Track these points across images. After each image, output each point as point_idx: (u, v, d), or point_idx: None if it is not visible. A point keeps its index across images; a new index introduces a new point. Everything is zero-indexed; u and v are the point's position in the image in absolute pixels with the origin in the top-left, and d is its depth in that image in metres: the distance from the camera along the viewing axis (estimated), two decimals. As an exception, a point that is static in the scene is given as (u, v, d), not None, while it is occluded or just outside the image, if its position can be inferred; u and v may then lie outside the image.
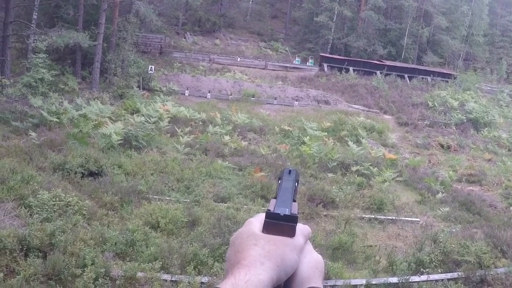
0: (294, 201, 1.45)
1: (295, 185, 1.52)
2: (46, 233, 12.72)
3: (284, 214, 1.36)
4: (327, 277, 14.18)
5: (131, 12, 40.71)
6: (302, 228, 1.41)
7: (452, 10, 66.78)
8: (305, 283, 1.38)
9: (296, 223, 1.37)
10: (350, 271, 15.50)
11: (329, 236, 17.26)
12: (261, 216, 1.40)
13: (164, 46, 51.72)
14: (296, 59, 57.96)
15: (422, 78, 55.48)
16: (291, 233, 1.36)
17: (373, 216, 19.96)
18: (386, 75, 53.62)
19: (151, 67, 39.55)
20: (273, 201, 1.43)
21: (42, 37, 33.00)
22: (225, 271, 1.34)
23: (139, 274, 12.59)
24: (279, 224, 1.35)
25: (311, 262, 1.43)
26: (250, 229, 1.38)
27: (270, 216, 1.36)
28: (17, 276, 11.25)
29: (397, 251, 17.06)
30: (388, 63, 57.25)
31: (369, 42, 61.57)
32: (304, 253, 1.41)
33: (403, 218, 20.27)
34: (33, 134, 22.23)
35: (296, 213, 1.39)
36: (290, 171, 1.56)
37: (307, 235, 1.44)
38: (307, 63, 57.29)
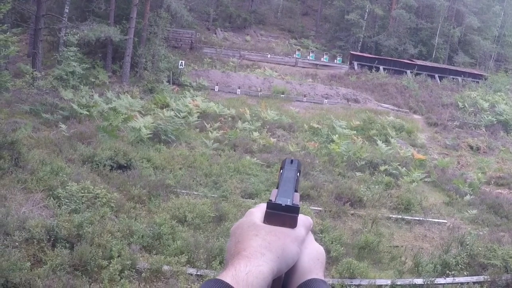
0: (296, 191, 1.43)
1: (297, 175, 1.50)
2: (74, 224, 12.80)
3: (285, 205, 1.34)
4: (352, 276, 14.15)
5: (162, 7, 40.82)
6: (303, 219, 1.40)
7: (484, 10, 66.05)
8: (306, 274, 1.36)
9: (297, 214, 1.35)
10: (376, 271, 15.42)
11: (355, 235, 17.21)
12: (263, 207, 1.39)
13: (195, 41, 51.83)
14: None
15: (453, 78, 54.81)
16: (292, 224, 1.34)
17: (400, 217, 19.83)
18: (417, 74, 53.14)
19: (182, 62, 39.64)
20: (274, 191, 1.42)
21: (74, 30, 33.24)
22: (225, 262, 1.32)
23: (165, 268, 12.63)
24: (280, 215, 1.34)
25: (312, 253, 1.41)
26: (251, 219, 1.37)
27: (271, 206, 1.35)
28: (44, 266, 11.34)
29: (423, 253, 16.91)
30: (418, 62, 56.74)
31: (400, 41, 61.09)
32: (305, 244, 1.39)
33: (430, 219, 20.10)
34: (63, 126, 22.42)
35: (298, 203, 1.37)
36: (292, 160, 1.55)
37: (308, 226, 1.42)
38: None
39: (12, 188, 15.06)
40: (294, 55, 55.95)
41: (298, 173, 1.50)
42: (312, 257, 1.39)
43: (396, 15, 61.24)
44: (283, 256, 1.27)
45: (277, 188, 1.43)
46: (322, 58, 56.28)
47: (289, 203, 1.34)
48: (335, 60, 56.59)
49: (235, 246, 1.30)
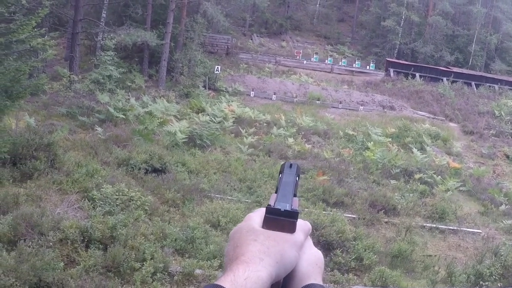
0: (295, 196, 1.43)
1: (296, 180, 1.49)
2: (108, 226, 12.86)
3: (284, 210, 1.33)
4: (384, 284, 14.04)
5: (199, 12, 40.97)
6: (302, 224, 1.39)
7: (521, 16, 65.46)
8: (304, 279, 1.35)
9: (296, 219, 1.34)
10: (408, 280, 15.29)
11: (389, 244, 17.07)
12: (261, 211, 1.38)
13: (231, 47, 51.95)
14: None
15: (489, 86, 54.04)
16: (291, 229, 1.33)
17: (434, 225, 19.59)
18: (453, 82, 52.60)
19: (217, 67, 39.76)
20: (273, 196, 1.41)
21: (111, 35, 33.53)
22: (224, 266, 1.32)
23: (197, 271, 12.62)
24: (279, 220, 1.33)
25: (311, 258, 1.40)
26: (250, 224, 1.36)
27: (270, 211, 1.34)
28: (77, 266, 11.42)
29: (456, 262, 16.70)
30: (455, 69, 56.19)
31: (436, 48, 60.63)
32: (304, 250, 1.38)
33: (465, 229, 19.84)
34: (99, 129, 22.58)
35: (297, 208, 1.37)
36: (291, 165, 1.54)
37: (307, 231, 1.41)
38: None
39: (47, 189, 15.25)
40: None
41: (297, 178, 1.50)
42: (310, 262, 1.38)
43: (433, 21, 60.82)
44: (282, 261, 1.27)
45: (276, 192, 1.42)
46: (354, 64, 56.09)
47: (288, 208, 1.33)
48: (367, 67, 56.33)
49: (233, 250, 1.30)
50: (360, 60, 57.41)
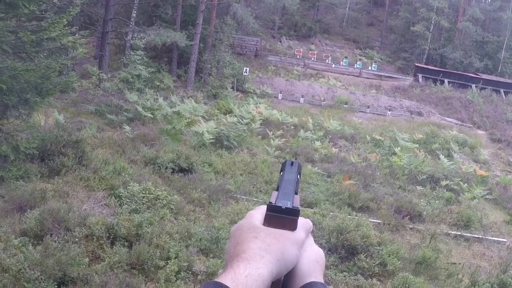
0: (296, 193, 1.44)
1: (298, 178, 1.51)
2: (134, 224, 12.89)
3: (285, 207, 1.34)
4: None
5: (228, 14, 41.13)
6: (303, 222, 1.41)
7: (552, 23, 64.88)
8: (305, 277, 1.36)
9: (297, 216, 1.35)
10: (432, 287, 15.14)
11: (413, 250, 16.91)
12: (263, 209, 1.39)
13: (260, 49, 52.04)
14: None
15: (518, 93, 53.78)
16: (292, 226, 1.34)
17: (459, 233, 19.36)
18: (482, 89, 52.25)
19: (246, 69, 39.86)
20: (274, 194, 1.43)
21: (141, 35, 33.74)
22: (224, 263, 1.33)
23: (221, 271, 12.49)
24: (280, 217, 1.34)
25: (312, 256, 1.40)
26: (251, 221, 1.37)
27: (271, 208, 1.35)
28: (102, 263, 11.46)
29: (480, 271, 16.48)
30: (484, 76, 55.78)
31: (466, 54, 60.27)
32: (305, 247, 1.39)
33: (490, 238, 19.53)
34: (127, 127, 22.68)
35: (298, 206, 1.37)
36: (292, 162, 1.56)
37: (308, 229, 1.43)
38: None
39: (75, 186, 15.34)
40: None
41: (298, 175, 1.52)
42: (311, 260, 1.39)
43: (462, 27, 60.43)
44: (283, 259, 1.27)
45: (277, 190, 1.44)
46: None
47: (289, 205, 1.34)
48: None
49: (234, 248, 1.30)
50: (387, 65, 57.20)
